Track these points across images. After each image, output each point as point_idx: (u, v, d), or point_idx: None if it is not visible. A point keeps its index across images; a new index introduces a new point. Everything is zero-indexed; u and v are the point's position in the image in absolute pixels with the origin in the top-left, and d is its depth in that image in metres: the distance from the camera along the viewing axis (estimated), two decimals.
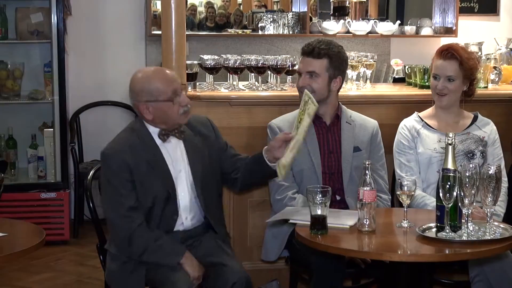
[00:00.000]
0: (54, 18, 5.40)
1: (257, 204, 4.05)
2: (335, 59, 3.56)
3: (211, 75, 4.21)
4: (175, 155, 3.25)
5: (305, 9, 6.32)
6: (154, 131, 3.23)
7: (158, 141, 3.23)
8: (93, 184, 3.52)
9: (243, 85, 4.28)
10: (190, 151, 3.28)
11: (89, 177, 3.52)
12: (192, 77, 4.17)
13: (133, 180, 3.15)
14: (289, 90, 4.25)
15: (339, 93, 3.71)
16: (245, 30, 6.48)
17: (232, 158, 3.41)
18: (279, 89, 4.20)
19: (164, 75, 3.22)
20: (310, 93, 3.30)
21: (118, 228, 3.16)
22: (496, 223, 2.90)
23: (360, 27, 5.98)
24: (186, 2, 6.40)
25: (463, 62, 3.62)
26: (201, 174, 3.27)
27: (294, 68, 4.21)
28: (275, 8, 7.14)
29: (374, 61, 4.53)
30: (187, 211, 3.25)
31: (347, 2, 6.25)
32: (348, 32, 6.01)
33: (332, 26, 5.94)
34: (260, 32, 6.23)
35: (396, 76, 5.07)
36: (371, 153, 3.66)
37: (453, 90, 3.65)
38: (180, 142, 3.27)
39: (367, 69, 4.47)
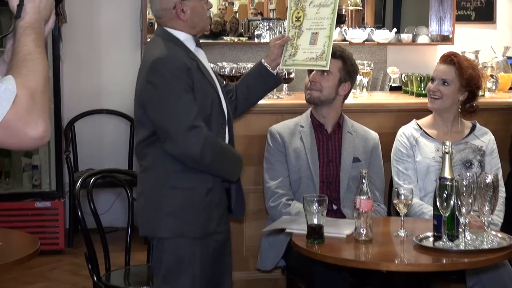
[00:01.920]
0: None
1: (253, 213, 4.04)
2: (348, 64, 3.62)
3: None
4: (205, 62, 3.13)
5: None
6: (186, 38, 3.06)
7: (191, 49, 3.07)
8: (82, 192, 3.51)
9: None
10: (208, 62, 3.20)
11: (77, 185, 3.51)
12: None
13: (193, 85, 2.95)
14: (286, 98, 4.26)
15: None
16: (241, 38, 6.49)
17: (221, 83, 3.32)
18: (275, 97, 4.21)
19: None
20: (318, 91, 3.43)
21: (187, 143, 2.90)
22: (493, 233, 2.90)
23: (356, 35, 5.98)
24: None
25: (461, 68, 3.63)
26: (222, 84, 3.23)
27: (291, 76, 4.21)
28: (271, 16, 7.16)
29: (371, 69, 4.54)
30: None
31: (343, 10, 6.27)
32: (344, 40, 6.02)
33: None
34: (256, 40, 6.23)
35: (393, 84, 5.09)
36: (370, 165, 3.65)
37: (446, 94, 3.65)
38: (202, 51, 3.15)
39: (363, 77, 4.48)
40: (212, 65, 4.17)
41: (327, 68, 3.31)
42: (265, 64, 3.27)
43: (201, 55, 3.12)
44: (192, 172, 3.00)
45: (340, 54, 3.58)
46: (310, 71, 3.63)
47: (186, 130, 2.89)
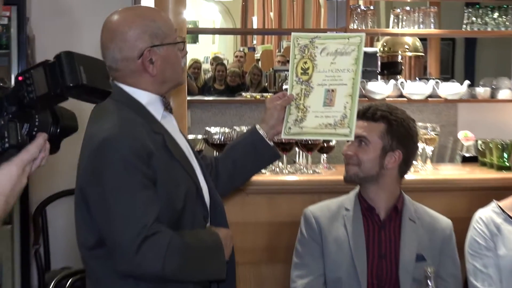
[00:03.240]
0: None
1: None
2: (396, 127, 3.49)
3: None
4: (176, 134, 2.98)
5: None
6: (150, 101, 2.90)
7: (156, 116, 2.91)
8: None
9: None
10: (179, 129, 3.07)
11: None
12: None
13: (155, 175, 2.75)
14: (324, 173, 4.25)
15: None
16: (264, 94, 6.53)
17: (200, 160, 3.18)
18: (311, 172, 4.23)
19: (157, 10, 2.98)
20: (356, 166, 3.40)
21: (142, 259, 2.68)
22: None
23: (416, 89, 6.00)
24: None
25: None
26: (198, 156, 3.10)
27: (330, 144, 4.22)
28: None
29: (437, 134, 4.54)
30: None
31: (400, 57, 6.31)
32: (401, 95, 6.03)
33: (380, 88, 5.95)
34: None
35: (466, 154, 5.07)
36: (441, 265, 3.56)
37: None
38: (172, 117, 3.02)
39: (427, 144, 4.48)
40: (226, 130, 4.20)
41: (352, 138, 3.21)
42: (260, 132, 3.17)
43: (169, 124, 2.98)
44: None
45: (381, 114, 3.50)
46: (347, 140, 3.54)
47: (142, 242, 2.68)
